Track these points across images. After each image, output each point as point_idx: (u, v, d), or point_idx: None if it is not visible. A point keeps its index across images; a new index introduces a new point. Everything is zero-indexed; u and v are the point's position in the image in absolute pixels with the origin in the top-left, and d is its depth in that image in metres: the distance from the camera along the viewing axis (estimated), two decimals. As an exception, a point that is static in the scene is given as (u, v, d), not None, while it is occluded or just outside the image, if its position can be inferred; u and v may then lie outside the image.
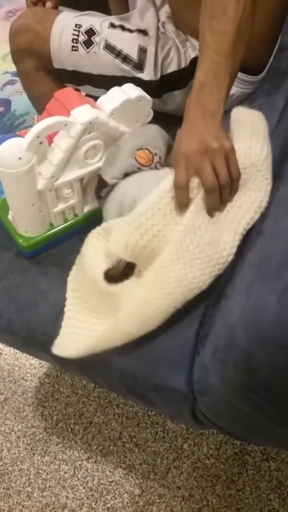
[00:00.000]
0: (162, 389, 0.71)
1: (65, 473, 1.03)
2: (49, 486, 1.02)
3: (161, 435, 1.06)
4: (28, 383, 1.15)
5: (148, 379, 0.71)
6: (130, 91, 0.76)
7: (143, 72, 0.94)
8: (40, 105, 1.13)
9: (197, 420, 0.73)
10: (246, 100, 1.02)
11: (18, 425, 1.09)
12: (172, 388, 0.70)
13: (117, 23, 0.96)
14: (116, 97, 0.75)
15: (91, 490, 1.01)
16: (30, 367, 1.17)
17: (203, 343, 0.68)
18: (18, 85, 1.78)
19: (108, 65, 0.95)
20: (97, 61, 0.95)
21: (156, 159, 0.74)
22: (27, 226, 0.79)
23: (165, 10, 1.02)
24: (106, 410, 1.10)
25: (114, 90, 0.76)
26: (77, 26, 0.95)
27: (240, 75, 0.96)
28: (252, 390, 0.55)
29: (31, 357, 1.17)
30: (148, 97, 0.77)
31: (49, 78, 1.04)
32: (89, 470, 1.03)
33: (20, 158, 0.68)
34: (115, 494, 1.00)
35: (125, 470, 1.03)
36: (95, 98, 0.77)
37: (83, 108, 0.72)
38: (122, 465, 1.03)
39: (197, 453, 1.04)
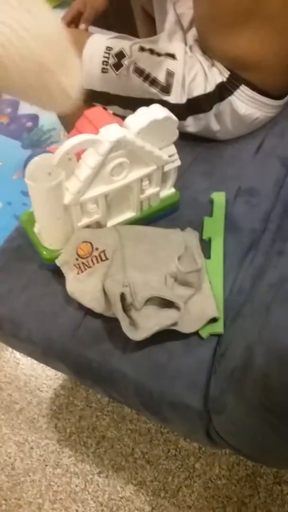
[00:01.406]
0: (177, 406, 0.71)
1: (76, 486, 1.03)
2: (60, 499, 1.02)
3: (173, 453, 1.06)
4: (44, 394, 1.16)
5: (163, 395, 0.72)
6: (157, 111, 0.78)
7: (169, 95, 0.96)
8: (68, 122, 1.16)
9: (211, 439, 0.73)
10: (269, 123, 1.04)
11: (32, 435, 1.10)
12: (187, 406, 0.70)
13: (146, 46, 0.99)
14: (143, 117, 0.77)
15: (102, 505, 1.00)
16: (46, 378, 1.18)
17: (220, 362, 0.68)
18: (46, 102, 1.83)
19: (136, 87, 0.97)
20: (126, 84, 0.98)
21: (95, 252, 0.78)
22: (52, 239, 0.81)
23: (192, 33, 1.05)
24: (119, 425, 1.10)
25: (142, 110, 0.78)
26: (108, 48, 0.99)
27: (263, 99, 0.98)
28: (268, 411, 0.55)
29: (48, 368, 1.18)
30: (174, 118, 0.79)
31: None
32: (100, 485, 1.03)
33: (49, 174, 0.71)
34: (125, 510, 0.99)
35: (136, 487, 1.02)
36: (122, 117, 0.80)
37: (111, 127, 0.75)
38: (133, 481, 1.03)
39: (209, 473, 1.03)
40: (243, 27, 0.89)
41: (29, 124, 1.77)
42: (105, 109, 1.03)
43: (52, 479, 1.04)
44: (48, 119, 1.76)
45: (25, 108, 1.84)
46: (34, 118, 1.79)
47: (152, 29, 1.26)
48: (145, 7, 1.27)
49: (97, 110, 0.79)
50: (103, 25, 1.64)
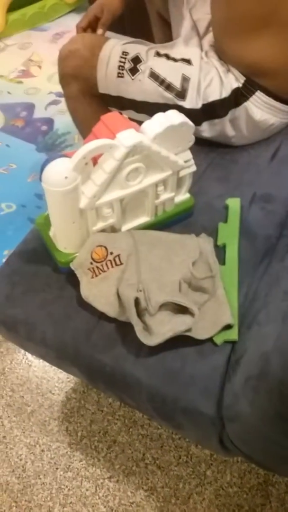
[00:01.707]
0: (191, 413, 0.71)
1: (87, 490, 1.03)
2: (70, 503, 1.02)
3: (184, 459, 1.05)
4: (55, 396, 1.16)
5: (177, 402, 0.71)
6: (174, 117, 0.78)
7: (185, 100, 0.96)
8: (83, 127, 1.17)
9: (224, 447, 0.72)
10: (285, 129, 1.04)
11: (43, 438, 1.10)
12: (201, 412, 0.70)
13: (162, 51, 0.99)
14: (160, 122, 0.77)
15: (112, 510, 1.00)
16: (58, 381, 1.18)
17: (234, 369, 0.68)
18: (61, 105, 1.85)
19: (152, 92, 0.98)
20: (141, 88, 0.98)
21: (110, 257, 0.79)
22: (67, 242, 0.82)
23: (208, 39, 1.05)
24: (131, 430, 1.10)
25: (158, 115, 0.79)
26: (124, 53, 0.99)
27: (279, 105, 0.97)
28: (284, 420, 0.55)
29: (60, 370, 1.18)
30: (190, 123, 0.79)
31: (93, 102, 1.08)
32: (111, 489, 1.03)
33: (66, 178, 0.71)
34: (135, 516, 0.99)
35: (147, 492, 1.02)
36: (138, 122, 0.80)
37: (128, 132, 0.75)
38: (144, 487, 1.02)
39: (220, 480, 1.02)
40: (260, 33, 0.89)
41: (44, 127, 1.79)
42: (121, 113, 1.04)
43: (62, 482, 1.04)
44: (63, 123, 1.78)
45: (40, 112, 1.85)
46: (49, 122, 1.81)
47: (167, 34, 1.27)
48: (161, 13, 1.27)
49: (113, 115, 0.80)
50: (119, 29, 1.65)
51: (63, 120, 1.78)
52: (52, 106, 1.87)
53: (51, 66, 2.05)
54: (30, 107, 1.88)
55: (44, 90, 1.94)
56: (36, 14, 2.29)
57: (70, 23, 2.28)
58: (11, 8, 2.22)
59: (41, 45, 2.21)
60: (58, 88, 1.84)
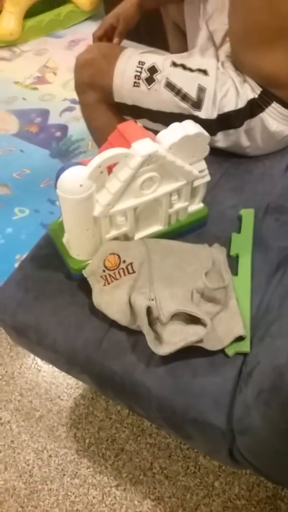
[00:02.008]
0: (201, 424, 0.70)
1: (94, 498, 1.03)
2: (76, 510, 1.01)
3: (192, 469, 1.04)
4: (64, 402, 1.16)
5: (187, 412, 0.71)
6: (190, 127, 0.78)
7: (200, 111, 0.96)
8: (97, 135, 1.17)
9: (234, 459, 0.72)
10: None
11: (51, 444, 1.10)
12: (211, 424, 0.69)
13: (178, 62, 1.00)
14: (175, 132, 0.77)
15: (118, 519, 1.00)
16: (67, 387, 1.18)
17: (246, 382, 0.67)
18: (76, 112, 1.87)
19: (167, 102, 0.98)
20: (157, 98, 0.99)
21: (122, 265, 0.79)
22: (80, 249, 0.82)
23: (224, 49, 1.06)
24: (139, 438, 1.09)
25: (174, 125, 0.79)
26: (140, 63, 1.00)
27: None
28: (296, 435, 0.54)
29: (69, 376, 1.19)
30: (206, 134, 0.79)
31: (109, 110, 1.08)
32: (118, 498, 1.02)
33: (81, 185, 0.72)
34: (141, 526, 0.98)
35: (154, 502, 1.01)
36: (153, 131, 0.80)
37: (143, 141, 0.75)
38: (151, 496, 1.02)
39: (228, 492, 1.01)
40: (277, 44, 0.89)
41: (58, 134, 1.80)
42: (136, 123, 1.04)
43: (69, 489, 1.04)
44: (77, 129, 1.79)
45: (55, 118, 1.87)
46: (63, 128, 1.82)
47: (183, 44, 1.27)
48: (177, 23, 1.28)
49: (129, 124, 0.80)
50: (134, 39, 1.67)
51: (77, 127, 1.79)
52: (66, 112, 1.88)
53: (66, 73, 2.07)
54: (44, 113, 1.89)
55: (59, 97, 1.96)
56: (52, 21, 2.32)
57: (85, 31, 2.30)
58: (28, 15, 2.25)
59: (56, 52, 2.23)
60: (73, 95, 1.85)
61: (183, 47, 1.26)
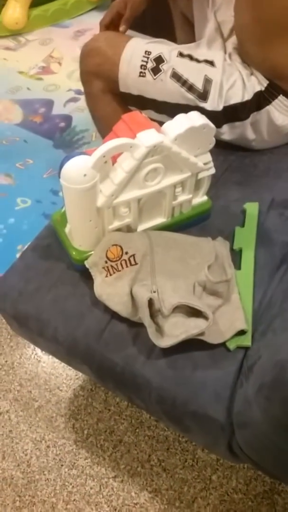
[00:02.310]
0: (200, 417, 0.70)
1: (91, 488, 1.03)
2: (74, 500, 1.02)
3: (190, 462, 1.05)
4: (63, 393, 1.16)
5: (186, 405, 0.71)
6: (195, 118, 0.78)
7: (206, 102, 0.96)
8: (102, 125, 1.17)
9: (232, 453, 0.72)
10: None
11: (49, 434, 1.11)
12: (210, 417, 0.69)
13: (185, 52, 0.99)
14: (181, 123, 0.76)
15: (115, 510, 1.00)
16: (67, 378, 1.18)
17: (246, 376, 0.67)
18: (80, 103, 1.85)
19: (173, 92, 0.97)
20: (163, 88, 0.98)
21: (125, 256, 0.78)
22: (82, 240, 0.82)
23: (232, 41, 1.04)
24: (137, 430, 1.09)
25: (180, 116, 0.78)
26: (147, 52, 0.99)
27: None
28: (296, 430, 0.54)
29: (68, 367, 1.19)
30: (212, 125, 0.78)
31: (114, 100, 1.07)
32: (115, 489, 1.02)
33: (85, 175, 0.71)
34: (138, 517, 0.99)
35: (151, 494, 1.01)
36: (159, 123, 0.79)
37: (148, 132, 0.75)
38: (148, 488, 1.02)
39: (225, 485, 1.01)
40: (283, 37, 0.88)
41: (62, 124, 1.79)
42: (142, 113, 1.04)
43: (67, 479, 1.04)
44: (81, 120, 1.78)
45: (59, 109, 1.86)
46: (68, 118, 1.81)
47: (190, 35, 1.26)
48: (185, 13, 1.26)
49: (135, 115, 0.79)
50: (141, 29, 1.65)
51: (81, 118, 1.78)
52: (71, 103, 1.87)
53: (71, 63, 2.05)
54: (49, 104, 1.88)
55: (64, 87, 1.94)
56: (58, 11, 2.30)
57: (91, 21, 2.29)
58: (34, 4, 2.24)
59: (62, 42, 2.21)
60: (78, 86, 1.84)
61: (191, 39, 1.24)
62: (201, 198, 0.89)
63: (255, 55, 0.95)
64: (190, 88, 0.96)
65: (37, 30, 2.29)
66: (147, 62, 0.98)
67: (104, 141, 0.74)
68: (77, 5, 2.34)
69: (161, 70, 0.97)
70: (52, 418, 1.13)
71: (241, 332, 0.73)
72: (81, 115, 1.80)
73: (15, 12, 2.18)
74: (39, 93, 1.93)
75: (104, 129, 1.16)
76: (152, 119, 0.81)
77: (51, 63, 2.09)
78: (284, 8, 0.85)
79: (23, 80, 2.00)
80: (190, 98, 0.96)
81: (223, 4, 1.06)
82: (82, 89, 1.14)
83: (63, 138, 1.74)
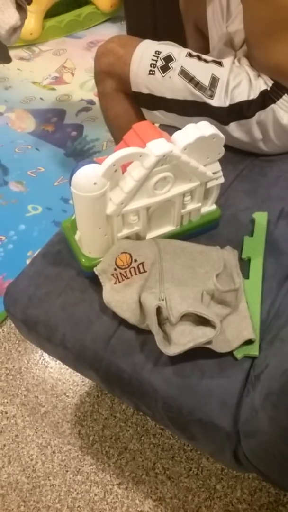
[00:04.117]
0: (206, 425, 0.70)
1: (95, 495, 1.03)
2: (78, 506, 1.02)
3: (195, 471, 1.04)
4: (69, 399, 1.17)
5: (193, 413, 0.71)
6: (205, 128, 0.79)
7: (213, 99, 0.97)
8: (113, 125, 1.19)
9: (238, 461, 0.72)
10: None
11: (55, 440, 1.11)
12: (216, 425, 0.69)
13: (194, 53, 1.02)
14: (191, 133, 0.78)
15: (119, 517, 1.00)
16: (73, 384, 1.19)
17: (253, 385, 0.67)
18: (92, 112, 1.88)
19: (181, 89, 1.00)
20: (171, 85, 1.00)
21: (134, 264, 0.79)
22: (91, 247, 0.83)
23: (243, 49, 1.07)
24: (143, 438, 1.09)
25: (190, 126, 0.79)
26: (157, 52, 1.02)
27: None
28: (302, 439, 0.54)
29: (75, 373, 1.19)
30: (221, 135, 0.79)
31: (125, 100, 1.10)
32: (119, 496, 1.02)
33: (95, 183, 0.72)
34: (142, 526, 0.98)
35: (155, 502, 1.01)
36: (168, 128, 0.80)
37: (158, 141, 0.76)
38: (152, 496, 1.02)
39: (230, 495, 1.01)
40: (284, 36, 0.90)
41: (74, 133, 1.81)
42: (153, 124, 1.05)
43: (72, 485, 1.05)
44: (93, 130, 1.80)
45: (71, 118, 1.88)
46: (79, 128, 1.84)
47: (203, 47, 1.28)
48: (198, 24, 1.28)
49: (145, 124, 0.81)
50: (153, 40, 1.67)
51: (93, 127, 1.81)
52: (82, 112, 1.90)
53: (84, 74, 2.08)
54: (61, 113, 1.91)
55: (76, 97, 1.97)
56: (72, 22, 2.34)
57: (104, 32, 2.32)
58: (48, 15, 2.27)
59: (75, 53, 2.25)
60: (90, 96, 1.87)
61: (203, 50, 1.26)
62: (210, 207, 0.90)
63: (257, 56, 0.98)
64: (197, 84, 0.98)
65: (51, 41, 2.32)
66: (156, 60, 1.01)
67: (115, 150, 0.75)
68: (91, 16, 2.38)
69: (170, 68, 1.00)
70: (58, 424, 1.13)
71: (249, 342, 0.74)
72: (92, 124, 1.82)
73: (29, 22, 2.22)
74: (51, 103, 1.96)
75: (116, 129, 1.19)
76: (162, 127, 0.82)
77: (64, 74, 2.12)
78: (278, 7, 0.87)
79: (36, 90, 2.03)
80: (197, 94, 0.99)
81: (239, 15, 1.08)
82: (94, 99, 1.16)
83: (74, 147, 1.76)
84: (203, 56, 1.02)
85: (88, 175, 0.73)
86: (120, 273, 0.79)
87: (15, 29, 1.07)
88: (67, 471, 1.07)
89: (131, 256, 0.79)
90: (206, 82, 0.98)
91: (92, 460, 1.08)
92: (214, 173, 0.83)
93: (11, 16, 1.03)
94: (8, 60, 1.25)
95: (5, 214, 1.54)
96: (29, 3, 1.13)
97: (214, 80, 0.98)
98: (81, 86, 2.02)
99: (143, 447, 1.08)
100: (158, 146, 0.75)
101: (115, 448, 1.09)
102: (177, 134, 0.79)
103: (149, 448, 1.08)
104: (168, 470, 1.05)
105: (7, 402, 1.17)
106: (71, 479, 1.06)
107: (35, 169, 1.68)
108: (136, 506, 1.01)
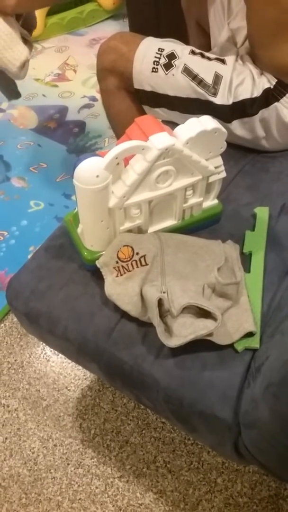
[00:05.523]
0: (207, 417, 0.71)
1: (96, 488, 1.04)
2: (79, 499, 1.02)
3: (195, 465, 1.05)
4: (71, 393, 1.17)
5: (194, 405, 0.71)
6: (207, 122, 0.79)
7: (216, 97, 0.98)
8: (116, 122, 1.19)
9: (239, 453, 0.72)
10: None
11: (57, 433, 1.12)
12: (217, 417, 0.70)
13: (197, 51, 1.02)
14: (193, 127, 0.78)
15: (120, 510, 1.00)
16: (75, 378, 1.20)
17: (254, 376, 0.68)
18: (94, 109, 1.88)
19: (184, 87, 1.00)
20: (174, 83, 1.00)
21: (135, 257, 0.79)
22: (94, 240, 0.83)
23: (245, 46, 1.07)
24: (144, 431, 1.10)
25: (192, 120, 0.80)
26: (160, 49, 1.02)
27: None
28: (303, 429, 0.55)
29: (77, 367, 1.20)
30: (223, 129, 0.80)
31: (128, 97, 1.10)
32: (120, 489, 1.03)
33: (97, 176, 0.73)
34: (143, 518, 0.99)
35: (156, 495, 1.02)
36: (171, 124, 0.81)
37: (161, 135, 0.76)
38: (153, 489, 1.02)
39: (230, 489, 1.01)
40: (286, 37, 0.90)
41: (76, 130, 1.82)
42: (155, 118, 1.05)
43: (73, 478, 1.05)
44: (95, 126, 1.81)
45: (73, 115, 1.89)
46: (81, 124, 1.84)
47: (205, 45, 1.28)
48: (200, 22, 1.28)
49: (147, 118, 0.81)
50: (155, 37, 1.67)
51: (95, 124, 1.81)
52: (85, 109, 1.90)
53: (86, 70, 2.09)
54: (63, 110, 1.91)
55: (78, 94, 1.98)
56: (74, 19, 2.34)
57: (107, 29, 2.32)
58: (51, 12, 2.28)
59: (77, 50, 2.25)
60: (92, 92, 1.87)
61: (205, 48, 1.27)
62: (212, 201, 0.90)
63: (261, 55, 0.98)
64: (200, 82, 0.99)
65: (53, 38, 2.33)
66: (159, 58, 1.01)
67: (117, 144, 0.76)
68: (93, 14, 2.38)
69: (173, 66, 1.00)
70: (60, 417, 1.14)
71: (249, 334, 0.74)
72: (94, 121, 1.83)
73: (32, 19, 2.23)
74: (54, 100, 1.97)
75: (118, 127, 1.19)
76: (166, 125, 0.83)
77: (66, 70, 2.13)
78: (282, 8, 0.87)
79: (39, 87, 2.04)
80: (200, 92, 0.99)
81: (240, 12, 1.09)
82: (96, 96, 1.17)
83: (76, 144, 1.76)
84: (206, 54, 1.02)
85: (90, 168, 0.73)
86: (122, 266, 0.80)
87: (24, 63, 1.06)
88: (68, 464, 1.07)
89: (133, 249, 0.80)
90: (209, 79, 0.98)
91: (93, 453, 1.08)
92: (216, 167, 0.83)
93: (21, 52, 1.02)
94: (18, 95, 1.23)
95: (7, 209, 1.55)
96: (31, 34, 1.12)
97: (217, 78, 0.98)
98: (84, 83, 2.03)
99: (144, 440, 1.09)
100: (160, 140, 0.75)
101: (116, 442, 1.09)
102: (179, 128, 0.79)
103: (150, 442, 1.08)
104: (169, 463, 1.06)
105: (9, 396, 1.18)
106: (72, 472, 1.06)
107: (37, 165, 1.69)
108: (137, 499, 1.02)
